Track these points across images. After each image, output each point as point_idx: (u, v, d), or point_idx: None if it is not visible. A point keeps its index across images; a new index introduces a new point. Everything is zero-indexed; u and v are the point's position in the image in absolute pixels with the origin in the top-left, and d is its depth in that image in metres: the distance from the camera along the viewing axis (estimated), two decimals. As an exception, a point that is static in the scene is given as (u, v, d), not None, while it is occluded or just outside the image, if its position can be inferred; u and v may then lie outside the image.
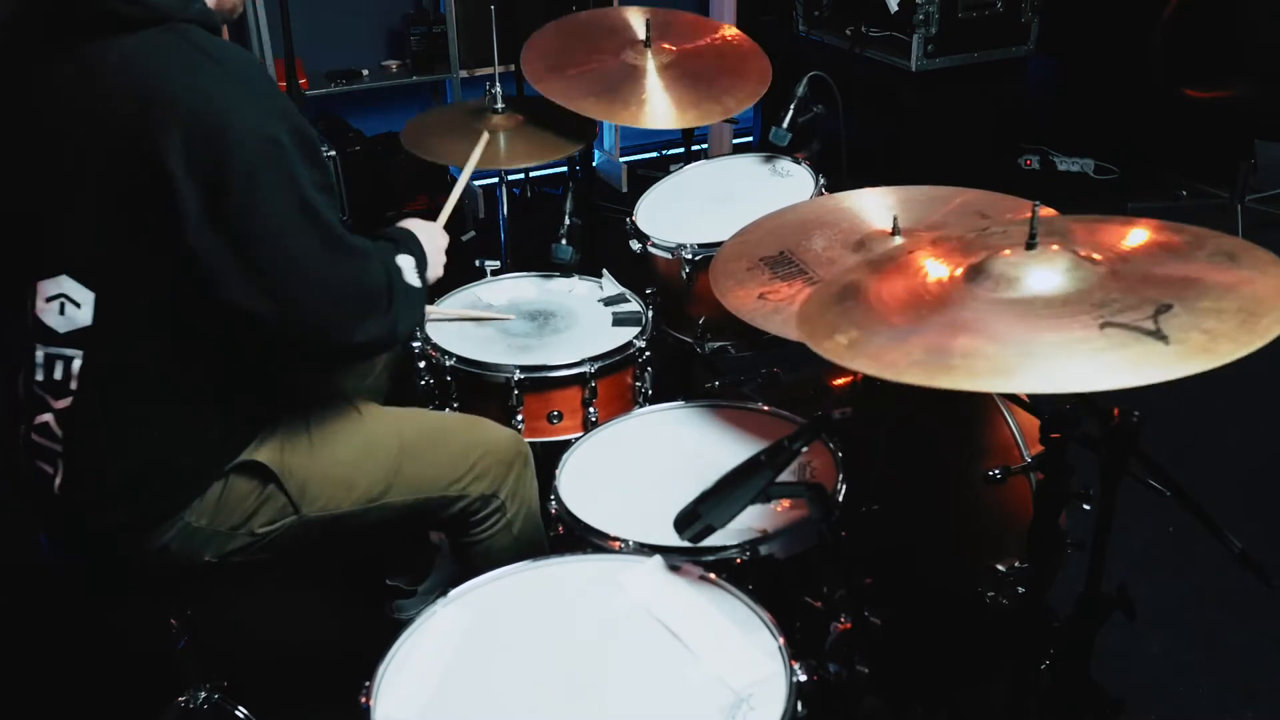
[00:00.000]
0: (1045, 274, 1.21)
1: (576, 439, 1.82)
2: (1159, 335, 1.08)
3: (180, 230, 1.32)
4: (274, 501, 1.57)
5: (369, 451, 1.66)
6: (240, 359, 1.50)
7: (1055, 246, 1.25)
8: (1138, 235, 1.30)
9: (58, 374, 1.42)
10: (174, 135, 1.29)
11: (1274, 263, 1.18)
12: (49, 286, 1.40)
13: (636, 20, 2.59)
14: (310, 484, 1.59)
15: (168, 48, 1.34)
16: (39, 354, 1.43)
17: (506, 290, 2.28)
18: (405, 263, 1.59)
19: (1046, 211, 1.31)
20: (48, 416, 1.44)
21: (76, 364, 1.41)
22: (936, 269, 1.32)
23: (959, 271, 1.28)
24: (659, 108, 2.40)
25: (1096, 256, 1.24)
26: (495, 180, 2.75)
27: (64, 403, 1.43)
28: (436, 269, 1.74)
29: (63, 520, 1.52)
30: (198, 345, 1.44)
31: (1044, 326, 1.14)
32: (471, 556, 1.81)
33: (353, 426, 1.68)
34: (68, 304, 1.40)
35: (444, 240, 1.81)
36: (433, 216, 1.87)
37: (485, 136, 2.33)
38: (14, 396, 1.47)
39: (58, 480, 1.46)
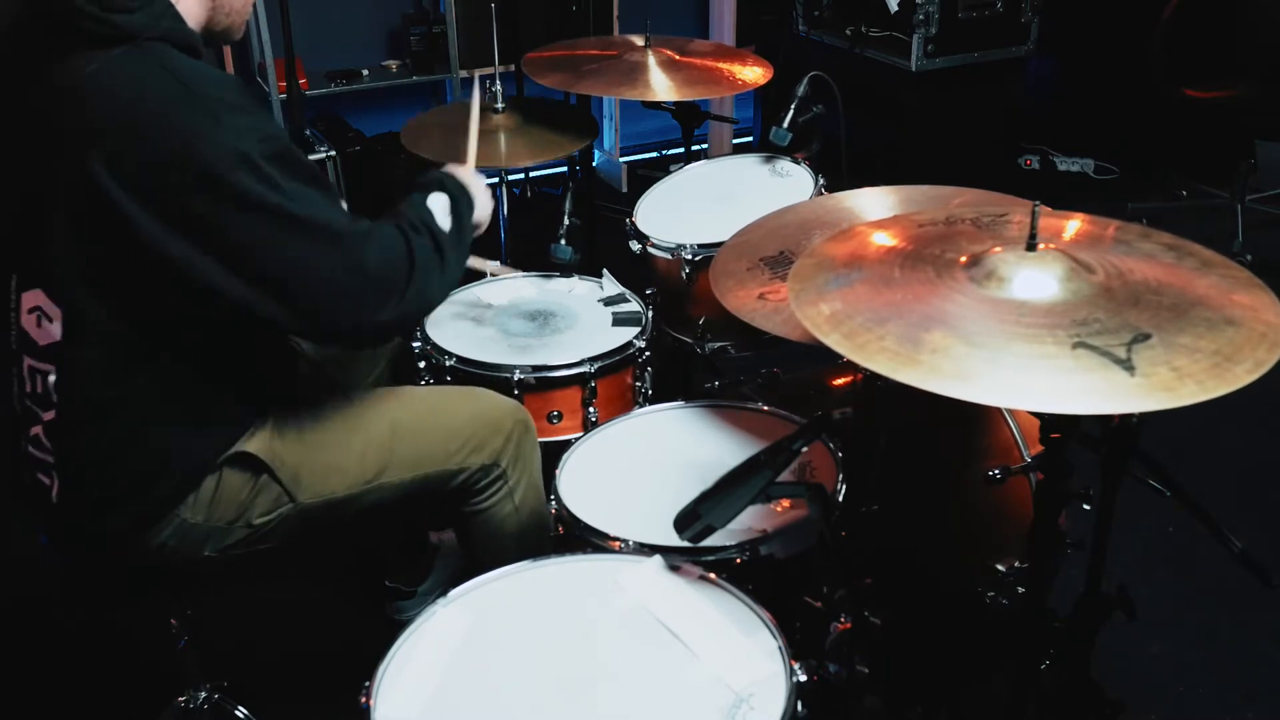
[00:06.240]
0: (1037, 279, 1.21)
1: (576, 439, 1.82)
2: (1127, 365, 1.07)
3: (155, 249, 1.31)
4: (268, 492, 1.57)
5: (360, 433, 1.66)
6: (227, 357, 1.50)
7: (1055, 252, 1.25)
8: (1144, 252, 1.29)
9: (39, 387, 1.43)
10: (129, 172, 1.29)
11: (1271, 307, 1.17)
12: (29, 299, 1.41)
13: (636, 39, 2.66)
14: (303, 471, 1.59)
15: (133, 68, 1.32)
16: (25, 365, 1.44)
17: (506, 290, 2.28)
18: (437, 203, 1.55)
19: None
20: (38, 429, 1.45)
21: (52, 377, 1.42)
22: (942, 245, 1.33)
23: (962, 259, 1.28)
24: (660, 85, 2.45)
25: (1094, 268, 1.24)
26: (495, 180, 2.75)
27: (50, 415, 1.44)
28: (484, 205, 1.70)
29: (63, 529, 1.52)
30: (181, 349, 1.44)
31: (1019, 335, 1.13)
32: (473, 527, 1.80)
33: (342, 410, 1.67)
34: (43, 318, 1.40)
35: (482, 181, 1.74)
36: None
37: (477, 77, 2.29)
38: (10, 408, 1.48)
39: (54, 490, 1.47)
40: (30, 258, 1.41)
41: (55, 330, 1.40)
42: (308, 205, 1.37)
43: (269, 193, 1.32)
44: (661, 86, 2.43)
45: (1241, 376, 1.06)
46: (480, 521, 1.79)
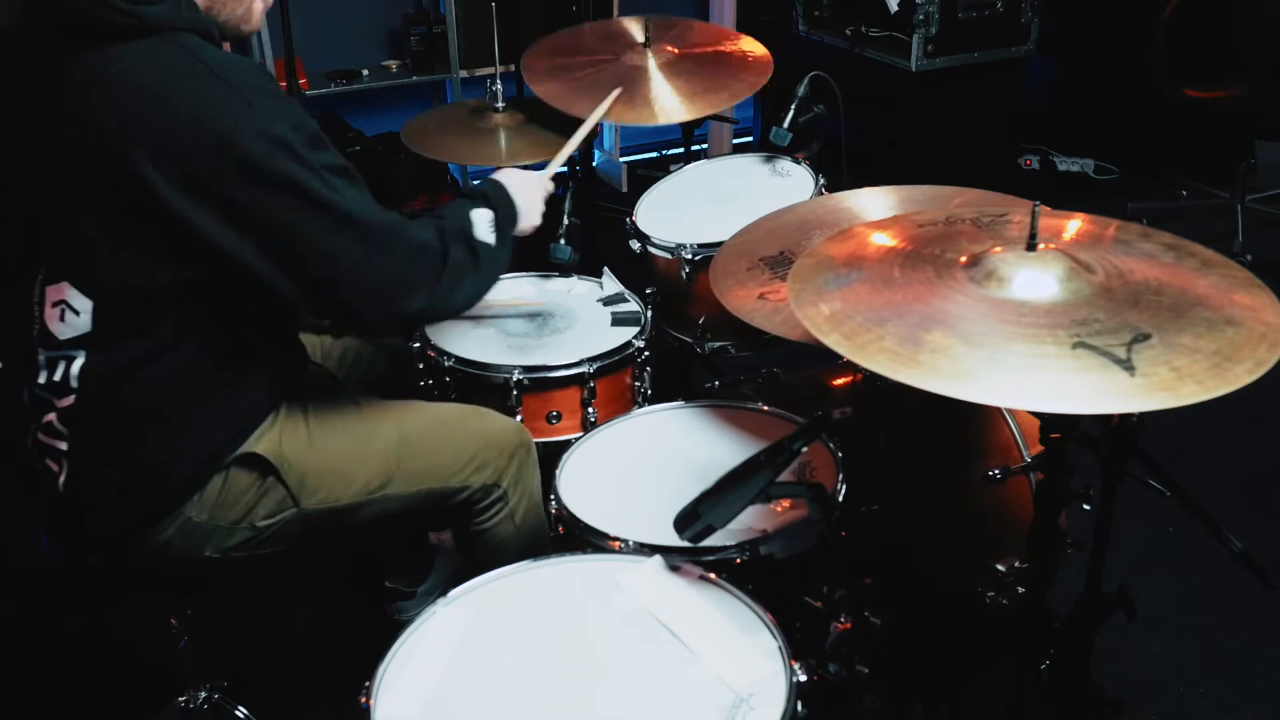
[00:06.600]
0: (1037, 279, 1.21)
1: (576, 439, 1.82)
2: (1127, 365, 1.07)
3: (202, 240, 1.34)
4: (273, 494, 1.57)
5: (368, 443, 1.66)
6: (241, 354, 1.50)
7: (1055, 252, 1.25)
8: (1144, 252, 1.29)
9: (58, 375, 1.43)
10: (164, 162, 1.30)
11: (1271, 307, 1.17)
12: (53, 293, 1.41)
13: (635, 28, 2.60)
14: (309, 476, 1.59)
15: (162, 60, 1.33)
16: (41, 357, 1.44)
17: (506, 290, 2.28)
18: (480, 217, 1.61)
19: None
20: (52, 415, 1.45)
21: (77, 364, 1.42)
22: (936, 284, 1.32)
23: (962, 259, 1.28)
24: (665, 102, 2.39)
25: (1094, 268, 1.23)
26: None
27: (67, 401, 1.44)
28: (531, 218, 1.78)
29: (67, 518, 1.52)
30: (201, 342, 1.45)
31: (1018, 335, 1.14)
32: (473, 546, 1.80)
33: (351, 418, 1.67)
34: (68, 311, 1.40)
35: (542, 190, 1.83)
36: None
37: (617, 91, 2.33)
38: (19, 403, 1.48)
39: (62, 478, 1.47)
40: (59, 253, 1.41)
41: (82, 323, 1.40)
42: (339, 191, 1.39)
43: (305, 175, 1.35)
44: (669, 106, 2.38)
45: (1241, 376, 1.06)
46: (482, 541, 1.79)
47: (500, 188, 1.72)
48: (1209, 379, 1.06)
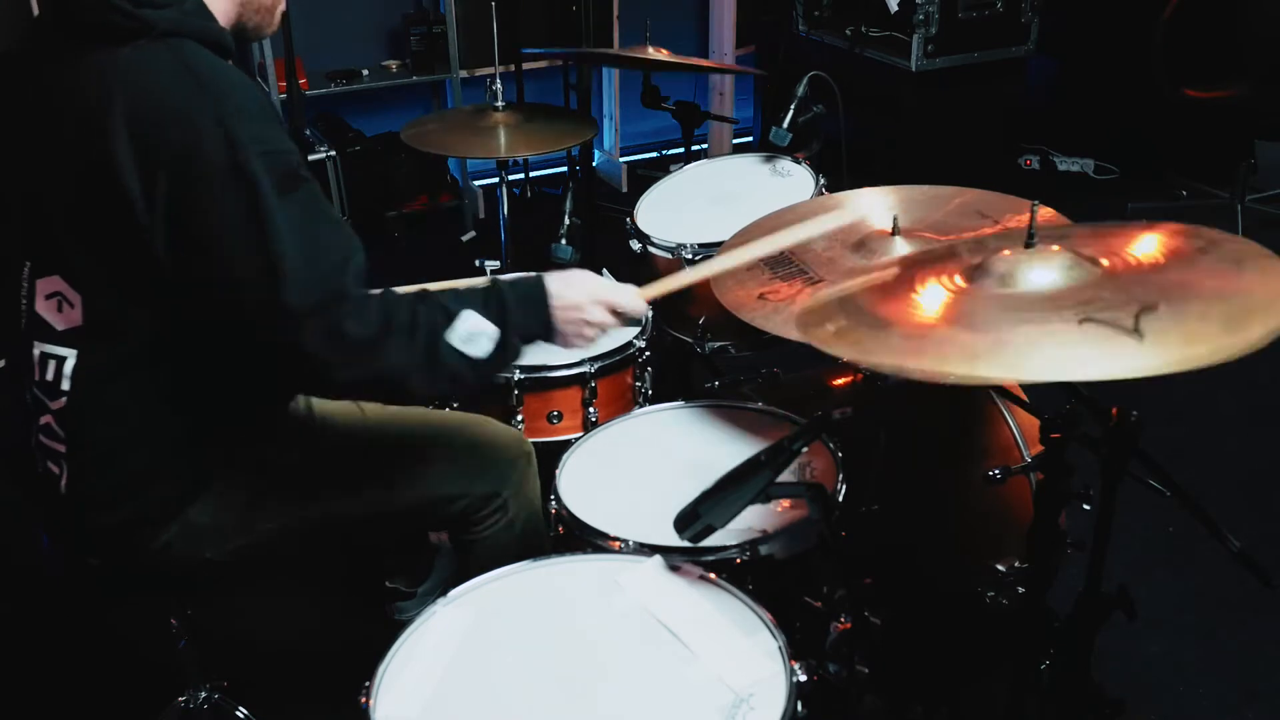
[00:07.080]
0: (1040, 271, 1.21)
1: (576, 439, 1.82)
2: (1135, 333, 1.06)
3: (150, 248, 1.32)
4: (273, 498, 1.57)
5: (370, 449, 1.66)
6: (238, 359, 1.49)
7: (1056, 247, 1.25)
8: (1148, 242, 1.28)
9: (50, 374, 1.43)
10: (133, 156, 1.29)
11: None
12: (46, 285, 1.41)
13: None
14: (308, 482, 1.59)
15: (158, 65, 1.32)
16: (35, 351, 1.43)
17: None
18: (474, 328, 1.40)
19: (1046, 212, 1.31)
20: (48, 418, 1.45)
21: (69, 364, 1.42)
22: (938, 293, 1.31)
23: (958, 278, 1.28)
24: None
25: (1100, 258, 1.23)
26: (495, 180, 2.75)
27: (59, 403, 1.43)
28: (567, 338, 1.53)
29: (69, 520, 1.52)
30: (195, 346, 1.44)
31: (1024, 320, 1.13)
32: (472, 552, 1.80)
33: (351, 424, 1.67)
34: (64, 303, 1.40)
35: (599, 306, 1.54)
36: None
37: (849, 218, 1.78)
38: (22, 403, 1.48)
39: (63, 480, 1.47)
40: (47, 246, 1.41)
41: (78, 316, 1.40)
42: (283, 232, 1.30)
43: (257, 206, 1.29)
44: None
45: (1256, 331, 1.01)
46: (480, 548, 1.79)
47: (538, 304, 1.49)
48: (1223, 338, 1.01)
